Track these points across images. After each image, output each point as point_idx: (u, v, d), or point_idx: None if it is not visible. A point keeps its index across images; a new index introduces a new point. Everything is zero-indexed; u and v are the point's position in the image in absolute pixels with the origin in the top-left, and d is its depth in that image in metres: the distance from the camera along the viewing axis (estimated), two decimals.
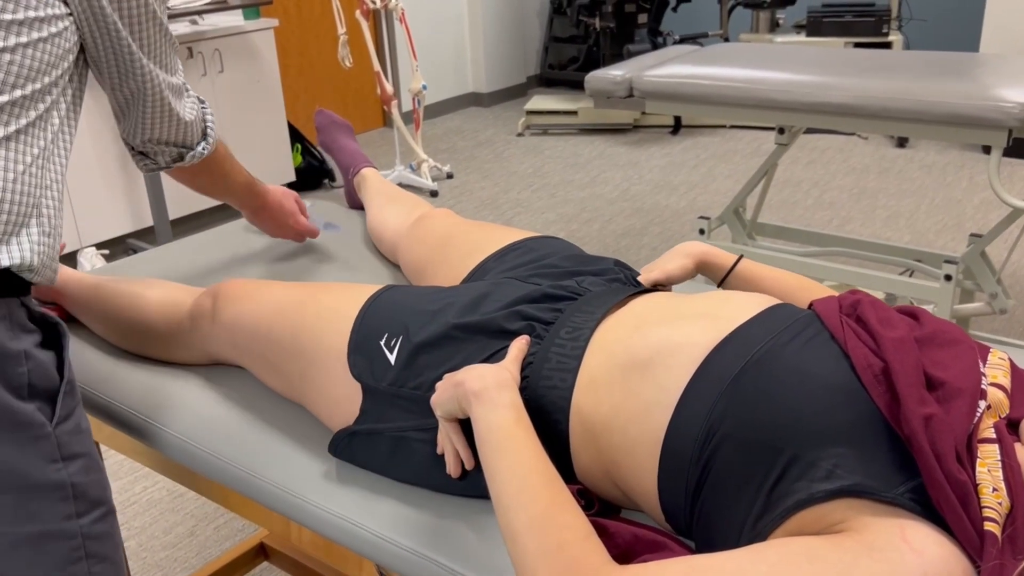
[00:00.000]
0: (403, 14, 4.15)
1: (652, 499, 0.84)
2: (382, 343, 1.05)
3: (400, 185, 1.74)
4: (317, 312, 1.14)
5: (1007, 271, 3.19)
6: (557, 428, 0.92)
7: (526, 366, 0.95)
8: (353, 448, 1.05)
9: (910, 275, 2.55)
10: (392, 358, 1.03)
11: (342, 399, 1.08)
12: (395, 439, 1.01)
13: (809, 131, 4.86)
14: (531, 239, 1.24)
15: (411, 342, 1.03)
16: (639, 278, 1.11)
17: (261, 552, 1.79)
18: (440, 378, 0.98)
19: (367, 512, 0.99)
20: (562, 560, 0.72)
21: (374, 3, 4.08)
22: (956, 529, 0.68)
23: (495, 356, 0.98)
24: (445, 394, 0.90)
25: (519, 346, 0.96)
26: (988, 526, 0.66)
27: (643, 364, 0.86)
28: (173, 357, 1.31)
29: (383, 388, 1.03)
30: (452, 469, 0.94)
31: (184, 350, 1.29)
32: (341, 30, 4.06)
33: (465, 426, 0.92)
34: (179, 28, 3.69)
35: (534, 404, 0.90)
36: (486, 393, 0.85)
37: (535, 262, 1.18)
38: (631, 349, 0.89)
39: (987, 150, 2.07)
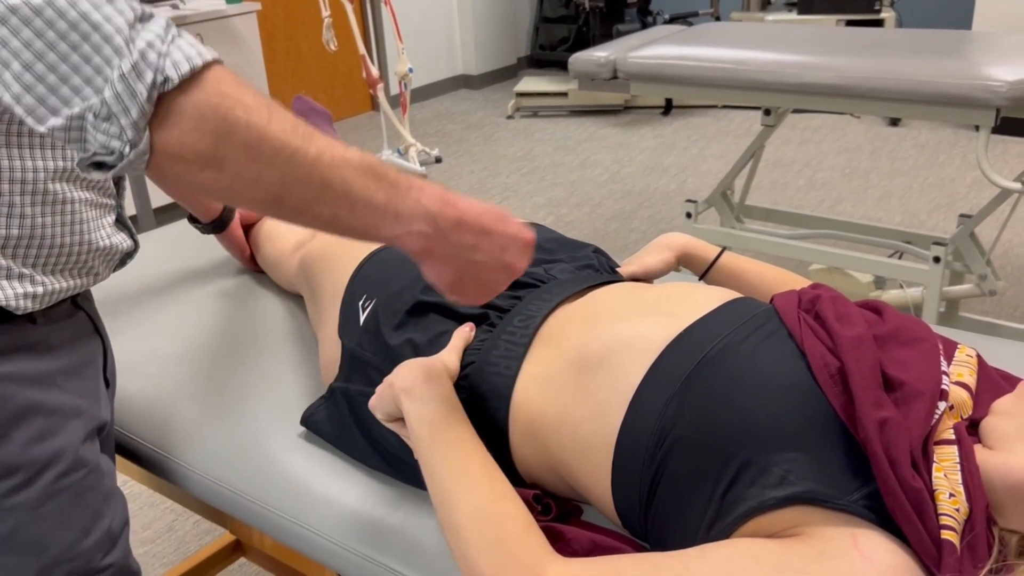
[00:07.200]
0: None
1: (607, 501, 0.81)
2: (360, 302, 1.06)
3: None
4: (336, 254, 1.19)
5: (997, 252, 3.15)
6: (496, 415, 0.89)
7: (473, 353, 0.92)
8: (318, 417, 1.04)
9: (899, 257, 2.52)
10: (361, 318, 1.04)
11: (331, 355, 1.08)
12: (353, 408, 0.99)
13: (800, 110, 4.81)
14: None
15: (376, 307, 1.03)
16: (618, 270, 1.07)
17: (238, 548, 1.77)
18: (390, 347, 0.98)
19: (326, 518, 0.97)
20: (503, 552, 0.70)
21: None
22: (912, 538, 0.65)
23: (441, 337, 0.96)
24: (381, 398, 0.87)
25: (461, 335, 0.93)
26: (945, 534, 0.64)
27: (595, 364, 0.83)
28: (276, 278, 1.45)
29: (351, 347, 1.03)
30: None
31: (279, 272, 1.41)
32: (325, 13, 4.00)
33: None
34: (160, 13, 3.64)
35: (477, 390, 0.88)
36: (415, 389, 0.83)
37: None
38: (582, 347, 0.86)
39: (979, 128, 2.04)
